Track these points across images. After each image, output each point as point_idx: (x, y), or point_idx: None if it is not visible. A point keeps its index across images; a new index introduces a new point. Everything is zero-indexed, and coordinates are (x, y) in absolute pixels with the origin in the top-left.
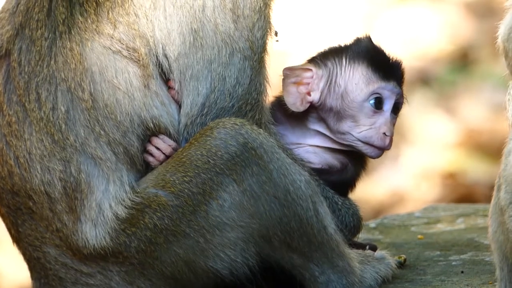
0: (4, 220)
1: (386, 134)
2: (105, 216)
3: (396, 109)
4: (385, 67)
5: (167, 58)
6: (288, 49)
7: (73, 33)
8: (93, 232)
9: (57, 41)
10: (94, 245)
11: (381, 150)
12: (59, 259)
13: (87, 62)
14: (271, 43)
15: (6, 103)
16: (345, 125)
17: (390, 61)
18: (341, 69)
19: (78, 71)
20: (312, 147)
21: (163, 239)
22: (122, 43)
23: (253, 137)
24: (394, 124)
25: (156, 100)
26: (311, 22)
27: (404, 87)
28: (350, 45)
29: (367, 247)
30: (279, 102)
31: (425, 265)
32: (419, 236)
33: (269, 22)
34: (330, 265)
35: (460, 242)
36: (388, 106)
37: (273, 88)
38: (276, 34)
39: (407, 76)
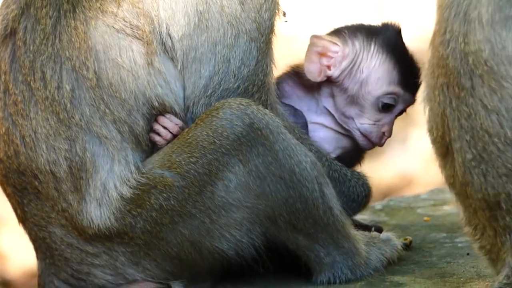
0: (10, 200)
1: (385, 134)
2: (110, 196)
3: (402, 112)
4: (410, 74)
5: (170, 38)
6: (295, 33)
7: (77, 11)
8: (98, 212)
9: (62, 20)
10: (98, 225)
11: (375, 145)
12: (64, 239)
13: (91, 41)
14: (279, 24)
15: (12, 82)
16: (352, 111)
17: (415, 69)
18: (368, 55)
19: (83, 50)
20: (317, 124)
21: (169, 220)
22: (125, 21)
23: (259, 117)
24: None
25: (160, 78)
26: (320, 5)
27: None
28: (381, 31)
29: (373, 228)
30: (294, 71)
31: (431, 247)
32: (425, 218)
33: (277, 3)
34: (336, 246)
35: (464, 231)
36: (397, 110)
37: (279, 71)
38: (284, 14)
39: (418, 57)
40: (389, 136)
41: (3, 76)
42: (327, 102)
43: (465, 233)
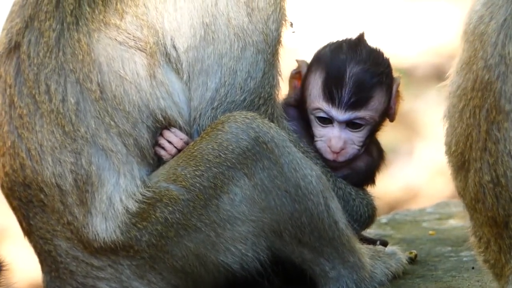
0: (15, 213)
1: (331, 149)
2: (116, 210)
3: (353, 124)
4: (338, 93)
5: (175, 49)
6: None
7: (80, 24)
8: (104, 225)
9: (65, 32)
10: (104, 238)
11: (334, 160)
12: (70, 252)
13: (94, 53)
14: (286, 35)
15: (17, 96)
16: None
17: (344, 83)
18: (308, 74)
19: (86, 62)
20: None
21: (174, 233)
22: (128, 33)
23: (264, 131)
24: (360, 138)
25: (163, 90)
26: (327, 16)
27: (420, 83)
28: (327, 47)
29: (378, 242)
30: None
31: (436, 260)
32: (431, 232)
33: (284, 14)
34: (341, 260)
35: (469, 241)
36: (337, 123)
37: (286, 83)
38: (291, 25)
39: (423, 72)
40: (336, 150)
41: (8, 90)
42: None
43: (470, 243)
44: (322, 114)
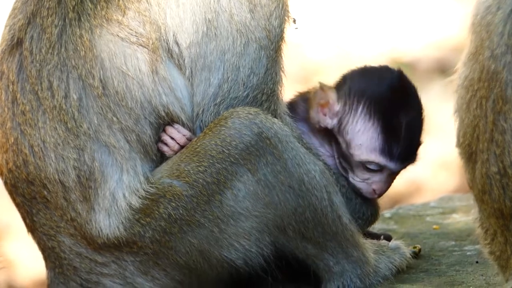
0: (19, 210)
1: (376, 192)
2: (119, 206)
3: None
4: (396, 146)
5: (178, 45)
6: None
7: (82, 20)
8: (107, 221)
9: (67, 29)
10: (107, 234)
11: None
12: (73, 249)
13: (96, 49)
14: (289, 31)
15: (20, 92)
16: (345, 164)
17: (406, 136)
18: (353, 119)
19: (88, 58)
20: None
21: (178, 229)
22: (130, 29)
23: (267, 126)
24: (395, 176)
25: (165, 85)
26: (330, 11)
27: (423, 77)
28: (375, 88)
29: (382, 237)
30: (305, 101)
31: (440, 255)
32: (434, 226)
33: (287, 10)
34: (345, 255)
35: (475, 232)
36: (387, 170)
37: (288, 79)
38: (294, 21)
39: (426, 65)
40: (381, 193)
41: (11, 86)
42: (327, 146)
43: (476, 236)
44: (374, 167)
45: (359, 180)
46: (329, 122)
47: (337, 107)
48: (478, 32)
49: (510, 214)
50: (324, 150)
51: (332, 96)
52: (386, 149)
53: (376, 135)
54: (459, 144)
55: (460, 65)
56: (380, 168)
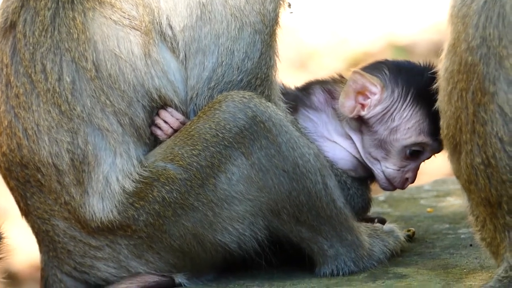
0: (13, 193)
1: (409, 180)
2: (112, 189)
3: (428, 158)
4: (436, 128)
5: (171, 28)
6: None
7: (75, 2)
8: (100, 205)
9: (60, 11)
10: (101, 218)
11: (395, 188)
12: (67, 232)
13: (89, 32)
14: (284, 16)
15: (13, 75)
16: (378, 154)
17: (438, 122)
18: (403, 106)
19: (81, 41)
20: (340, 146)
21: (172, 213)
22: (123, 12)
23: (261, 110)
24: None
25: (158, 68)
26: None
27: (420, 60)
28: (418, 78)
29: (376, 220)
30: (329, 89)
31: (434, 238)
32: (428, 209)
33: None
34: (339, 238)
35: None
36: (423, 158)
37: (283, 63)
38: (289, 5)
39: (423, 48)
40: (412, 182)
41: (4, 69)
42: (355, 136)
43: (468, 222)
44: (418, 148)
45: (395, 168)
46: (367, 111)
47: (384, 94)
48: (455, 24)
49: (497, 202)
50: (345, 141)
51: (380, 84)
52: (431, 130)
53: (423, 118)
54: (444, 136)
55: (442, 57)
56: (423, 150)
